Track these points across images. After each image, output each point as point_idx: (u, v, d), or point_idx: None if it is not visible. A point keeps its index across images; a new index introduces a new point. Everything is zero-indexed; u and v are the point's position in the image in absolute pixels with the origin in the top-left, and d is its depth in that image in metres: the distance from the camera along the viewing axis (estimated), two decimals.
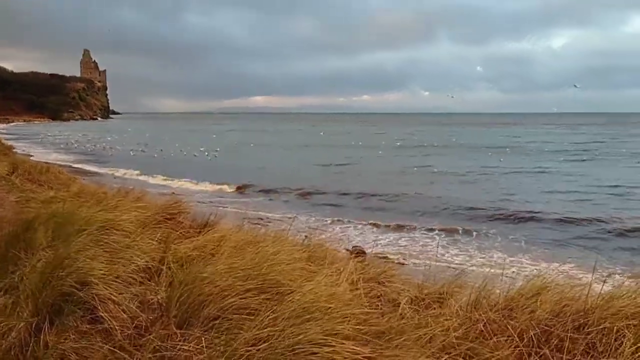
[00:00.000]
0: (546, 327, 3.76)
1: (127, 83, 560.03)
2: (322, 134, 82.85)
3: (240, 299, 3.61)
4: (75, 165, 34.37)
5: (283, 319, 3.11)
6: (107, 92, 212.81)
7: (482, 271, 12.32)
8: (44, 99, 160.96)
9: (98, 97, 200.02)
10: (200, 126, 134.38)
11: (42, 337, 3.59)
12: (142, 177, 30.45)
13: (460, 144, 61.45)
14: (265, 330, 3.01)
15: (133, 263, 4.78)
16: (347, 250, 11.21)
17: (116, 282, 4.13)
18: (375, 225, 17.68)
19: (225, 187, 27.28)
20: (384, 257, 11.07)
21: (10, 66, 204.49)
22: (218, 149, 48.98)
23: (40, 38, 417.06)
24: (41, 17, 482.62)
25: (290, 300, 3.32)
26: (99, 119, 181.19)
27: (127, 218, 6.10)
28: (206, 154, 45.25)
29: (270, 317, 3.16)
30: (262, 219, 15.03)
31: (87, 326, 3.67)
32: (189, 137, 72.72)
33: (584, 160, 43.09)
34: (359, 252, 10.40)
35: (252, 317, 3.38)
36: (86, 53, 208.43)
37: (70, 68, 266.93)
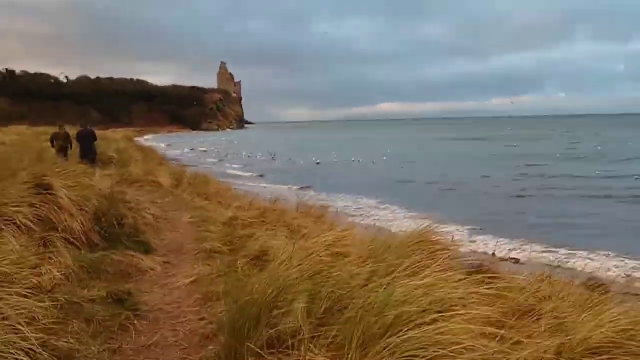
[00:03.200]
0: None
1: (256, 93, 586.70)
2: (515, 145, 63.87)
3: None
4: (238, 180, 30.26)
5: None
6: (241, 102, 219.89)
7: None
8: (185, 111, 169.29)
9: (234, 107, 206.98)
10: (345, 134, 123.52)
11: None
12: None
13: None
14: None
15: None
16: None
17: None
18: None
19: None
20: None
21: (154, 80, 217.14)
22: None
23: (179, 53, 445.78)
24: (179, 34, 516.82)
25: None
26: (235, 128, 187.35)
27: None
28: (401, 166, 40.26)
29: None
30: None
31: None
32: (346, 145, 68.17)
33: None
34: None
35: None
36: (222, 65, 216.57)
37: (207, 80, 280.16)
